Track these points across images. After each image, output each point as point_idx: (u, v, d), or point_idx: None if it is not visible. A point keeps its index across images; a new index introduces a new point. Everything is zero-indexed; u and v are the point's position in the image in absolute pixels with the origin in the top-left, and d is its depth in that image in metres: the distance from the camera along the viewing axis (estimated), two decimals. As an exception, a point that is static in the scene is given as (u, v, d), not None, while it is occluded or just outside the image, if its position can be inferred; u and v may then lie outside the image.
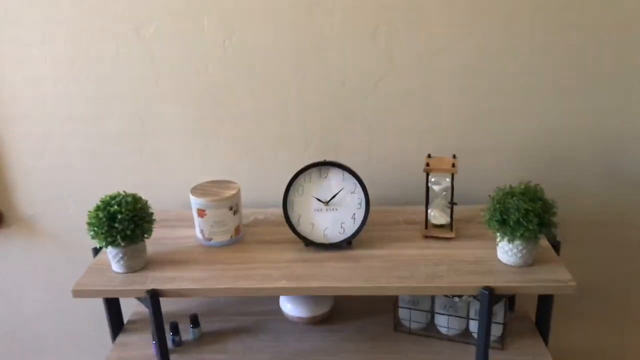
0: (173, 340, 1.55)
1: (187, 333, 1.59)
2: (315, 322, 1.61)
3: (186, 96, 1.64)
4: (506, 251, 1.33)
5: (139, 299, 1.35)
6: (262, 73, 1.60)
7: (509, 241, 1.30)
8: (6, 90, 1.65)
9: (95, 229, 1.32)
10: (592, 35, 1.51)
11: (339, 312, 1.66)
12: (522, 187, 1.31)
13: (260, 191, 1.74)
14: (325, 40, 1.55)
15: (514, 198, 1.28)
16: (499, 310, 1.46)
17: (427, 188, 1.46)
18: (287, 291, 1.31)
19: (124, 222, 1.30)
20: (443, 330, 1.54)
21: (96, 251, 1.50)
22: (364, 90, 1.60)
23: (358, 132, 1.65)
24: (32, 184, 1.78)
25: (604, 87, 1.56)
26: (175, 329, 1.55)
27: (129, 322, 1.67)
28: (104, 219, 1.31)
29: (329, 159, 1.65)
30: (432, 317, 1.57)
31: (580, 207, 1.70)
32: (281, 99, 1.63)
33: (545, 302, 1.51)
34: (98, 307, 1.93)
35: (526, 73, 1.55)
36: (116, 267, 1.38)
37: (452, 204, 1.46)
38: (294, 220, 1.44)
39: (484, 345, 1.32)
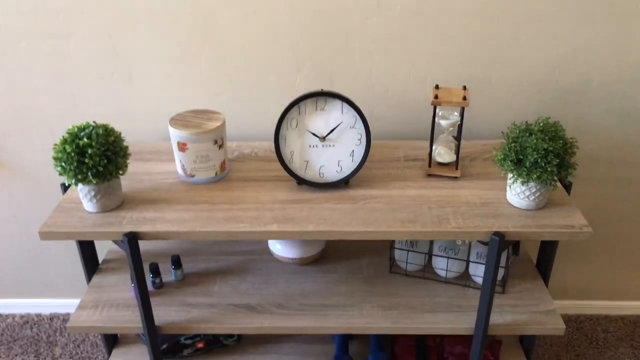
0: (153, 283, 1.44)
1: (168, 274, 1.49)
2: (307, 262, 1.51)
3: (162, 12, 1.44)
4: (518, 193, 1.22)
5: (115, 241, 1.22)
6: (249, -13, 1.40)
7: (523, 183, 1.19)
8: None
9: (63, 164, 1.16)
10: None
11: (331, 252, 1.57)
12: (541, 123, 1.19)
13: (246, 122, 1.58)
14: (322, -50, 1.35)
15: (533, 136, 1.16)
16: (503, 254, 1.38)
17: (433, 122, 1.33)
18: (280, 235, 1.19)
19: (95, 157, 1.15)
20: (441, 273, 1.46)
21: (65, 187, 1.35)
22: (364, 9, 1.42)
23: (356, 57, 1.48)
24: (-12, 110, 1.59)
25: (623, 16, 1.41)
26: (155, 271, 1.44)
27: (104, 261, 1.55)
28: (73, 154, 1.15)
29: (323, 87, 1.50)
30: (430, 259, 1.49)
31: (589, 143, 1.60)
32: (270, 18, 1.44)
33: (548, 245, 1.43)
34: (70, 244, 1.81)
35: (544, -5, 1.40)
36: (88, 206, 1.24)
37: (459, 140, 1.33)
38: (286, 157, 1.30)
39: (489, 292, 1.24)
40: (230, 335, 1.61)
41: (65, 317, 1.95)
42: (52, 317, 1.95)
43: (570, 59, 1.47)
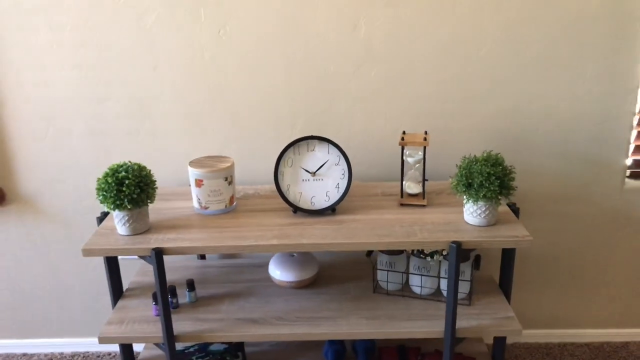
0: (171, 303, 1.68)
1: (183, 297, 1.73)
2: (302, 286, 1.76)
3: (183, 81, 1.79)
4: (471, 212, 1.51)
5: (143, 257, 1.49)
6: (254, 59, 1.76)
7: (474, 202, 1.48)
8: (12, 74, 1.78)
9: (104, 193, 1.45)
10: (548, 29, 1.72)
11: (323, 277, 1.82)
12: (485, 155, 1.50)
13: (250, 169, 1.89)
14: (310, 29, 1.73)
15: (478, 164, 1.46)
16: (467, 269, 1.64)
17: (402, 160, 1.63)
18: (279, 248, 1.46)
19: (130, 186, 1.44)
20: (416, 290, 1.71)
21: (100, 220, 1.63)
22: (346, 74, 1.77)
23: (341, 113, 1.82)
24: (34, 164, 1.90)
25: (559, 76, 1.77)
26: (173, 292, 1.68)
27: (127, 289, 1.80)
28: (113, 184, 1.44)
29: (313, 134, 1.83)
30: (407, 279, 1.74)
31: (536, 183, 1.90)
32: (271, 83, 1.79)
33: (507, 264, 1.69)
34: (97, 280, 2.05)
35: (488, 63, 1.75)
36: (122, 229, 1.51)
37: (424, 175, 1.63)
38: (284, 189, 1.60)
39: (452, 298, 1.49)
40: (236, 356, 1.82)
41: (85, 355, 2.14)
42: (73, 355, 2.15)
43: (514, 112, 1.81)
